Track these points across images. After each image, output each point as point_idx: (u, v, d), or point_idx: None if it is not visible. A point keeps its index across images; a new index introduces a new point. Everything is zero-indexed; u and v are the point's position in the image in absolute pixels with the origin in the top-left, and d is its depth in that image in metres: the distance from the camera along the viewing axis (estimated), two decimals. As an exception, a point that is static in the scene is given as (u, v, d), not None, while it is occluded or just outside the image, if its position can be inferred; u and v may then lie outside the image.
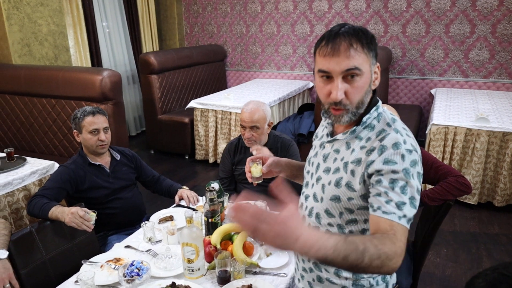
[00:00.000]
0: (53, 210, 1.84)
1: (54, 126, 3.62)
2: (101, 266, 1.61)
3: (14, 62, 3.91)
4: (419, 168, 1.07)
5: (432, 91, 5.08)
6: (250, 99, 4.65)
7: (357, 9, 5.32)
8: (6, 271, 1.53)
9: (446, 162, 3.61)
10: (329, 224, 1.18)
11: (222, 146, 4.59)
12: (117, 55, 5.67)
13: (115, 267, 1.57)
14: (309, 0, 5.56)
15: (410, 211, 1.02)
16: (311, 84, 5.78)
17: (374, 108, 1.14)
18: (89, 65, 4.95)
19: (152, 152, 5.28)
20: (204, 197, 1.84)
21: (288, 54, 5.94)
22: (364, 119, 1.12)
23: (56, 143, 3.67)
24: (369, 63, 1.08)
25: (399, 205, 1.02)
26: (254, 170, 1.43)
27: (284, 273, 1.56)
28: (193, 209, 2.03)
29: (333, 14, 5.48)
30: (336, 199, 1.15)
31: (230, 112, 4.46)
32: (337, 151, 1.18)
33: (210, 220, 1.77)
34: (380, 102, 1.17)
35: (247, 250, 1.63)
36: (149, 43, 6.05)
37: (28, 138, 3.79)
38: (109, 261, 1.64)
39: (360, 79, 1.07)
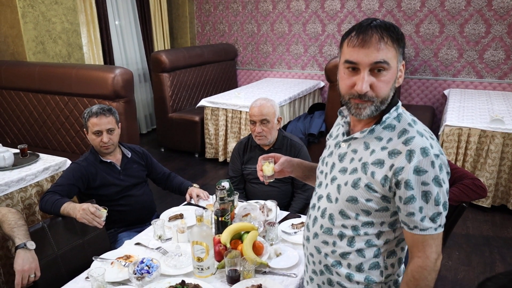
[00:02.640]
0: (65, 206, 1.85)
1: (67, 123, 3.66)
2: (112, 263, 1.62)
3: (29, 60, 3.96)
4: (447, 168, 1.07)
5: (445, 92, 5.01)
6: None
7: (369, 8, 5.27)
8: (34, 261, 1.56)
9: (459, 164, 3.56)
10: (343, 226, 1.17)
11: (232, 145, 4.59)
12: (129, 53, 5.71)
13: (125, 264, 1.58)
14: (321, -1, 5.53)
15: (444, 217, 1.07)
16: (322, 84, 5.75)
17: (394, 108, 1.12)
18: (102, 63, 4.99)
19: (163, 150, 5.30)
20: (214, 196, 1.84)
21: (299, 53, 5.91)
22: (384, 118, 1.10)
23: (68, 140, 3.70)
24: (397, 59, 1.07)
25: (434, 218, 1.05)
26: (266, 169, 1.42)
27: (294, 274, 1.55)
28: (203, 208, 2.03)
29: (345, 14, 5.44)
30: (353, 200, 1.13)
31: (241, 111, 4.45)
32: (354, 151, 1.16)
33: (220, 219, 1.76)
34: (400, 103, 1.14)
35: (257, 249, 1.63)
36: (160, 42, 6.08)
37: (41, 134, 3.84)
38: (119, 258, 1.65)
39: (387, 74, 1.06)
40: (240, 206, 1.96)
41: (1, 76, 3.83)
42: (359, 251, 1.16)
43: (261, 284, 1.44)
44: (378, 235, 1.15)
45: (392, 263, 1.18)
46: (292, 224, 1.91)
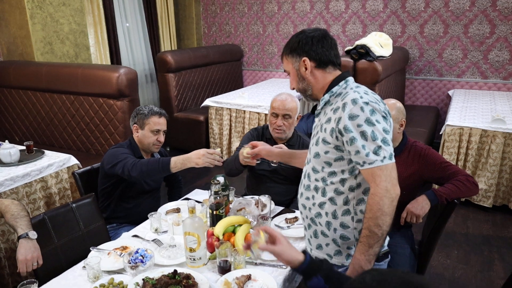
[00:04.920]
0: (175, 161, 1.94)
1: (73, 122, 3.74)
2: (109, 253, 1.67)
3: (37, 60, 4.05)
4: (381, 113, 1.30)
5: (450, 92, 5.00)
6: (264, 98, 4.71)
7: (374, 9, 5.28)
8: (36, 251, 1.62)
9: (460, 163, 3.56)
10: (316, 180, 1.43)
11: (235, 144, 4.64)
12: (136, 54, 5.80)
13: (121, 254, 1.63)
14: (326, 0, 5.55)
15: (387, 149, 1.29)
16: (326, 84, 5.76)
17: (344, 81, 1.40)
18: (109, 63, 5.08)
19: (168, 149, 5.37)
20: (209, 191, 1.88)
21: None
22: (334, 89, 1.39)
23: (74, 138, 3.79)
24: (292, 63, 1.43)
25: (376, 151, 1.27)
26: (244, 150, 1.91)
27: (284, 265, 1.59)
28: (200, 202, 2.08)
29: (349, 14, 5.46)
30: (316, 155, 1.41)
31: (244, 111, 4.50)
32: (319, 120, 1.46)
33: (214, 212, 1.81)
34: (351, 78, 1.42)
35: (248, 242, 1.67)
36: (167, 43, 6.16)
37: (48, 132, 3.93)
38: (116, 248, 1.70)
39: (290, 76, 1.47)
40: (236, 200, 2.01)
41: (10, 75, 3.93)
42: (331, 199, 1.40)
43: (250, 275, 1.48)
44: (342, 182, 1.38)
45: (361, 209, 1.38)
46: (286, 218, 1.95)
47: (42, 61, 4.04)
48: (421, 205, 1.93)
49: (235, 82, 6.36)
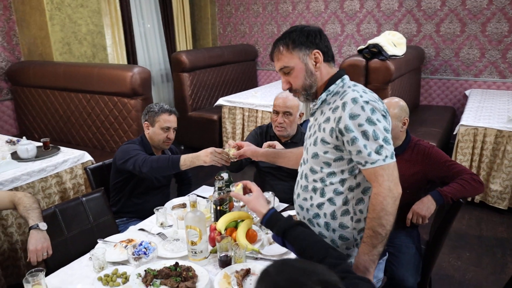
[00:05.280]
0: (184, 158, 1.99)
1: (89, 120, 3.85)
2: (115, 245, 1.73)
3: (55, 60, 4.18)
4: (381, 112, 1.29)
5: (467, 92, 4.90)
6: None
7: (389, 8, 5.23)
8: (46, 241, 1.68)
9: (475, 164, 3.50)
10: (314, 180, 1.41)
11: (248, 143, 4.67)
12: (152, 54, 5.90)
13: (126, 247, 1.68)
14: (340, -1, 5.54)
15: (388, 148, 1.28)
16: (340, 84, 5.73)
17: (340, 79, 1.38)
18: (125, 63, 5.19)
19: (182, 147, 5.44)
20: (214, 186, 1.92)
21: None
22: (331, 88, 1.37)
23: (90, 135, 3.89)
24: (298, 57, 1.35)
25: (378, 151, 1.26)
26: (230, 151, 1.89)
27: (284, 261, 1.61)
28: (206, 198, 2.12)
29: (364, 14, 5.42)
30: (315, 155, 1.39)
31: (257, 110, 4.53)
32: (316, 119, 1.43)
33: (218, 208, 1.84)
34: (346, 76, 1.39)
35: (251, 237, 1.69)
36: (183, 43, 6.25)
37: (65, 130, 4.05)
38: (122, 241, 1.76)
39: (293, 72, 1.37)
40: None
41: (30, 75, 4.07)
42: (330, 200, 1.39)
43: (249, 269, 1.50)
44: (342, 182, 1.36)
45: (360, 209, 1.38)
46: (289, 215, 1.96)
47: (60, 61, 4.17)
48: (426, 206, 1.92)
49: (250, 82, 6.40)
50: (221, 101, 4.82)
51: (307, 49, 1.35)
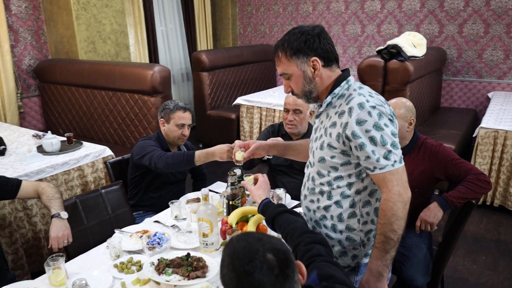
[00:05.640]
0: (198, 154, 2.05)
1: (110, 116, 3.97)
2: (130, 236, 1.80)
3: (81, 58, 4.33)
4: (388, 116, 1.28)
5: (490, 95, 4.81)
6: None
7: (410, 9, 5.18)
8: (67, 229, 1.78)
9: (494, 168, 3.44)
10: (321, 184, 1.41)
11: (265, 142, 4.72)
12: (173, 53, 6.02)
13: (141, 237, 1.75)
14: (361, 0, 5.51)
15: (397, 153, 1.27)
16: (360, 85, 5.71)
17: (345, 81, 1.35)
18: (147, 62, 5.32)
19: (201, 146, 5.53)
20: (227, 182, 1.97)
21: (338, 54, 5.91)
22: (336, 91, 1.35)
23: (111, 131, 4.02)
24: (296, 64, 1.34)
25: (387, 156, 1.26)
26: (237, 155, 1.78)
27: (293, 255, 1.64)
28: (219, 193, 2.17)
29: (385, 14, 5.38)
30: (322, 159, 1.38)
31: (274, 109, 4.57)
32: (321, 122, 1.43)
33: (230, 202, 1.90)
34: (351, 77, 1.37)
35: (261, 231, 1.74)
36: (203, 43, 6.34)
37: (88, 126, 4.19)
38: (138, 232, 1.83)
39: (293, 78, 1.37)
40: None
41: (56, 72, 4.23)
42: (337, 203, 1.39)
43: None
44: (349, 186, 1.37)
45: (367, 212, 1.38)
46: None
47: (84, 59, 4.31)
48: (433, 213, 1.95)
49: (268, 82, 6.44)
50: (239, 100, 4.88)
51: (305, 56, 1.32)
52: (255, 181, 1.69)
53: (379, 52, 3.94)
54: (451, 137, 3.90)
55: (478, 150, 3.50)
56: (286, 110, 2.42)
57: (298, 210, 2.04)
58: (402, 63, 3.73)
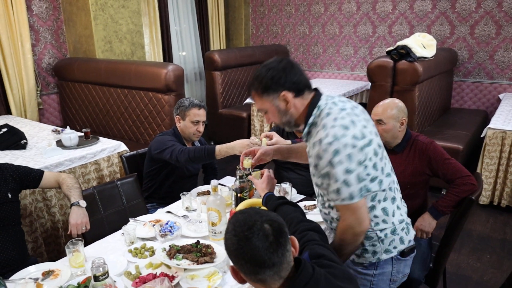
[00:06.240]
0: (219, 148, 2.16)
1: (125, 113, 4.11)
2: (144, 224, 1.91)
3: (98, 57, 4.48)
4: (346, 150, 1.27)
5: (501, 96, 4.81)
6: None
7: (422, 10, 5.21)
8: (85, 217, 1.90)
9: (502, 168, 3.46)
10: (328, 200, 1.44)
11: (275, 141, 4.81)
12: (187, 52, 6.15)
13: (154, 225, 1.86)
14: (372, 1, 5.55)
15: (350, 189, 1.30)
16: (370, 85, 5.75)
17: (316, 109, 1.38)
18: (162, 61, 5.46)
19: (212, 143, 5.64)
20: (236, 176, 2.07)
21: (349, 54, 5.98)
22: (309, 121, 1.39)
23: (126, 128, 4.16)
24: (269, 100, 1.39)
25: (338, 191, 1.31)
26: (245, 163, 1.84)
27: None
28: (228, 187, 2.27)
29: (396, 15, 5.42)
30: (316, 185, 1.44)
31: (285, 109, 4.65)
32: (308, 149, 1.47)
33: (238, 195, 1.99)
34: (322, 100, 1.39)
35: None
36: (216, 43, 6.46)
37: (104, 123, 4.34)
38: (151, 221, 1.94)
39: (269, 112, 1.44)
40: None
41: (74, 70, 4.39)
42: None
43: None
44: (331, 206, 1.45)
45: (375, 215, 1.42)
46: (305, 205, 2.08)
47: (101, 58, 4.46)
48: (428, 222, 2.08)
49: (280, 82, 6.51)
50: (250, 99, 4.98)
51: (275, 92, 1.36)
52: (261, 175, 1.79)
53: (388, 52, 4.00)
54: (459, 138, 3.93)
55: (486, 151, 3.53)
56: None
57: (303, 203, 2.13)
58: (411, 63, 3.77)
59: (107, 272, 1.26)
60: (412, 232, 1.55)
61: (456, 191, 2.00)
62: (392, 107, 2.11)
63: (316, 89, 1.43)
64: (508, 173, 3.45)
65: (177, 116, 2.53)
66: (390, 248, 1.47)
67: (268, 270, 0.97)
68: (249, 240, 0.96)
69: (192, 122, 2.46)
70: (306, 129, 1.41)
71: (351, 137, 1.29)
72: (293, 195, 2.21)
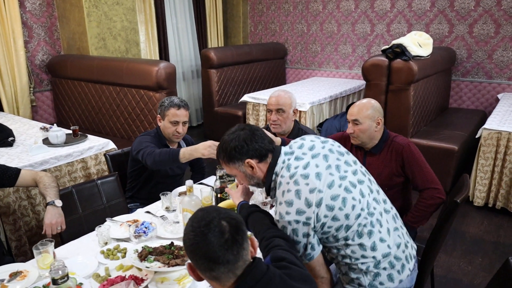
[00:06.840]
0: (183, 152, 2.10)
1: (117, 111, 4.08)
2: (121, 224, 1.88)
3: (91, 54, 4.46)
4: (290, 228, 1.32)
5: (499, 96, 4.73)
6: (302, 95, 4.78)
7: (420, 8, 5.14)
8: (61, 217, 1.86)
9: (497, 170, 3.40)
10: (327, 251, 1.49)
11: (270, 140, 4.76)
12: (183, 50, 6.11)
13: (130, 225, 1.83)
14: (371, -1, 5.49)
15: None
16: (368, 84, 5.69)
17: (274, 174, 1.44)
18: (157, 58, 5.42)
19: (208, 142, 5.61)
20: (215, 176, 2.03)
21: (347, 53, 5.92)
22: (271, 185, 1.45)
23: (118, 126, 4.13)
24: (235, 167, 1.46)
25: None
26: (230, 186, 1.83)
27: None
28: (211, 186, 2.23)
29: (395, 13, 5.35)
30: None
31: (279, 107, 4.60)
32: None
33: (219, 195, 1.96)
34: (277, 166, 1.43)
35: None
36: (214, 40, 6.42)
37: (97, 120, 4.31)
38: (128, 221, 1.91)
39: (238, 177, 1.52)
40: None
41: (67, 68, 4.36)
42: (343, 258, 1.45)
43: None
44: (337, 251, 1.44)
45: (352, 250, 1.41)
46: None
47: (94, 55, 4.44)
48: None
49: (278, 80, 6.47)
50: (245, 97, 4.93)
51: (239, 161, 1.44)
52: (237, 186, 1.75)
53: (384, 51, 3.94)
54: (455, 138, 3.87)
55: (481, 152, 3.47)
56: (270, 111, 2.46)
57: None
58: (406, 62, 3.71)
59: (67, 275, 1.23)
60: (407, 273, 1.47)
61: (424, 205, 2.00)
62: (368, 107, 2.09)
63: (274, 149, 1.46)
64: (503, 175, 3.38)
65: (158, 115, 2.47)
66: (376, 284, 1.41)
67: (222, 267, 0.97)
68: (205, 236, 0.96)
69: (170, 122, 2.37)
70: (272, 193, 1.47)
71: (295, 213, 1.32)
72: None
